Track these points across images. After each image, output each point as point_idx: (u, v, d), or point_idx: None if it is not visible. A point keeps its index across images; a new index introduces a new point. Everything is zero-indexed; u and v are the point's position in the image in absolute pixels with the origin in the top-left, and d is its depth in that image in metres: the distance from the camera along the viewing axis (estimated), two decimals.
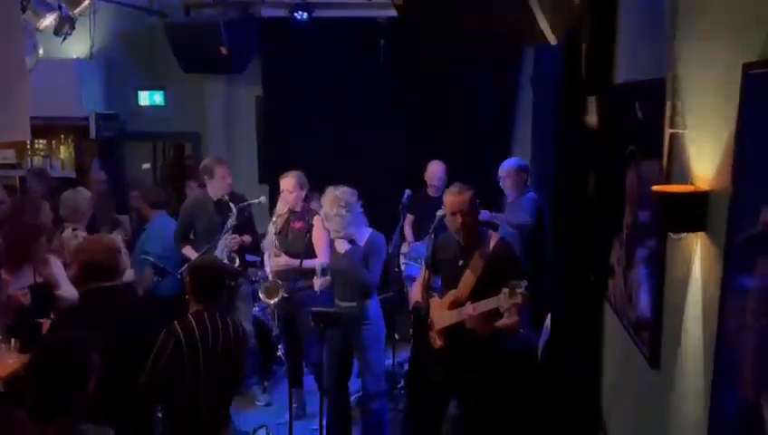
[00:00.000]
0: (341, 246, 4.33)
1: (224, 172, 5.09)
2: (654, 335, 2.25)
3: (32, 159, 7.60)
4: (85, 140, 7.40)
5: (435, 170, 5.77)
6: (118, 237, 3.55)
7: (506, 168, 5.02)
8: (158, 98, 7.59)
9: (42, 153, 7.67)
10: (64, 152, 7.64)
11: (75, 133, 7.51)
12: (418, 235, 5.63)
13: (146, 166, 8.17)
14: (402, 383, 5.19)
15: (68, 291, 3.85)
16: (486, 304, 3.41)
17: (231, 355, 3.18)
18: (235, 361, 3.24)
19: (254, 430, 4.80)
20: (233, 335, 3.19)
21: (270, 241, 4.89)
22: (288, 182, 4.81)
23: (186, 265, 4.95)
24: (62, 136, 7.61)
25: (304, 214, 4.81)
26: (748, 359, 1.49)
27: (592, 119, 3.28)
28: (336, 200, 4.21)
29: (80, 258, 3.29)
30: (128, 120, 7.56)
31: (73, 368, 2.33)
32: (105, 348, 2.52)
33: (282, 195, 4.86)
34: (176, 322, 3.07)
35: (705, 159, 1.84)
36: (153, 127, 7.52)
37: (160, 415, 3.38)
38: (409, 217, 5.77)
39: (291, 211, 4.84)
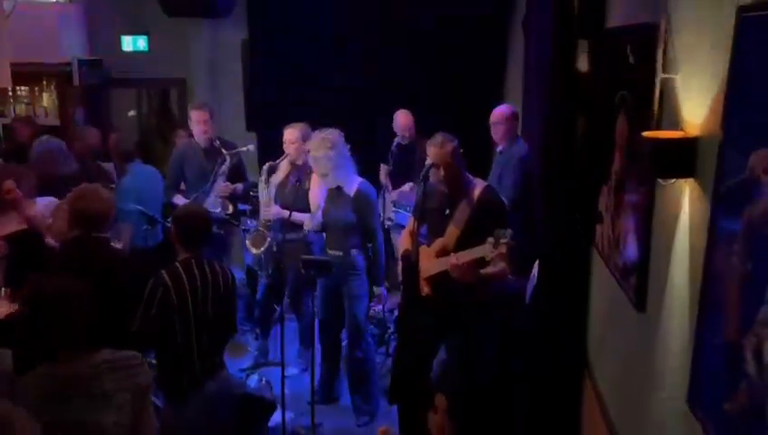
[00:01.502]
0: (331, 196, 4.33)
1: (198, 117, 5.00)
2: (640, 280, 2.29)
3: (14, 107, 7.45)
4: (68, 87, 7.24)
5: (401, 120, 5.74)
6: (108, 192, 3.51)
7: (498, 115, 4.93)
8: (141, 43, 7.42)
9: (24, 101, 7.52)
10: (47, 100, 7.49)
11: (58, 80, 7.34)
12: (395, 183, 5.66)
13: (131, 113, 8.05)
14: (392, 329, 5.27)
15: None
16: (471, 254, 3.43)
17: (221, 302, 3.19)
18: (226, 307, 3.26)
19: (247, 376, 4.88)
20: (222, 282, 3.19)
21: (262, 192, 4.85)
22: (290, 133, 4.72)
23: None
24: (45, 83, 7.44)
25: (304, 167, 4.76)
26: (732, 302, 1.52)
27: (583, 63, 3.25)
28: (323, 141, 4.18)
29: (76, 205, 3.26)
30: (111, 66, 7.40)
31: (61, 316, 2.33)
32: (93, 296, 2.52)
33: (285, 146, 4.77)
34: (163, 270, 3.06)
35: (695, 104, 1.83)
36: (137, 73, 7.37)
37: (154, 361, 3.41)
38: (384, 167, 5.79)
39: (292, 163, 4.77)
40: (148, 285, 3.04)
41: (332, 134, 4.23)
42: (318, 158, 4.21)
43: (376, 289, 4.29)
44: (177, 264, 3.11)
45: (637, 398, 2.33)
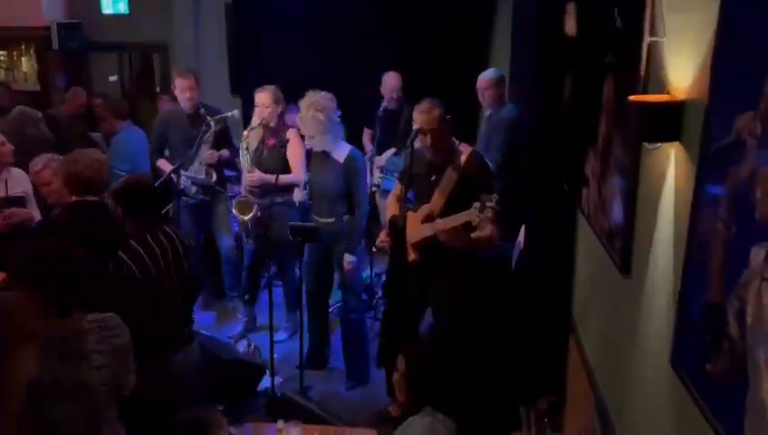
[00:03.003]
0: (320, 162, 4.30)
1: (182, 85, 4.93)
2: (625, 243, 2.30)
3: None
4: (48, 51, 7.12)
5: (390, 82, 5.68)
6: (102, 155, 3.47)
7: (484, 80, 4.89)
8: (121, 6, 7.28)
9: (3, 66, 7.38)
10: (26, 65, 7.36)
11: (37, 44, 7.21)
12: (380, 148, 5.63)
13: (113, 78, 7.92)
14: (380, 294, 5.30)
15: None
16: (457, 219, 3.44)
17: (184, 269, 3.14)
18: (189, 271, 3.20)
19: (236, 341, 4.91)
20: (181, 248, 3.13)
21: (243, 157, 4.81)
22: (263, 96, 4.67)
23: (164, 177, 4.92)
24: (24, 47, 7.30)
25: (279, 130, 4.72)
26: (716, 265, 1.54)
27: (571, 27, 3.22)
28: (313, 104, 4.13)
29: (70, 170, 3.22)
30: (91, 29, 7.25)
31: (57, 273, 2.32)
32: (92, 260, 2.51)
33: (256, 109, 4.73)
34: (120, 251, 2.98)
35: (682, 68, 1.82)
36: (118, 37, 7.24)
37: None
38: (368, 131, 5.75)
39: (265, 127, 4.73)
40: (109, 268, 2.94)
41: (324, 98, 4.18)
42: (306, 119, 4.15)
43: (347, 256, 4.26)
44: (132, 241, 3.02)
45: (621, 360, 2.37)
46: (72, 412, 2.27)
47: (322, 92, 4.22)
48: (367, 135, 5.83)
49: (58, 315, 2.32)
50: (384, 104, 5.67)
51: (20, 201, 3.99)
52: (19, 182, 4.05)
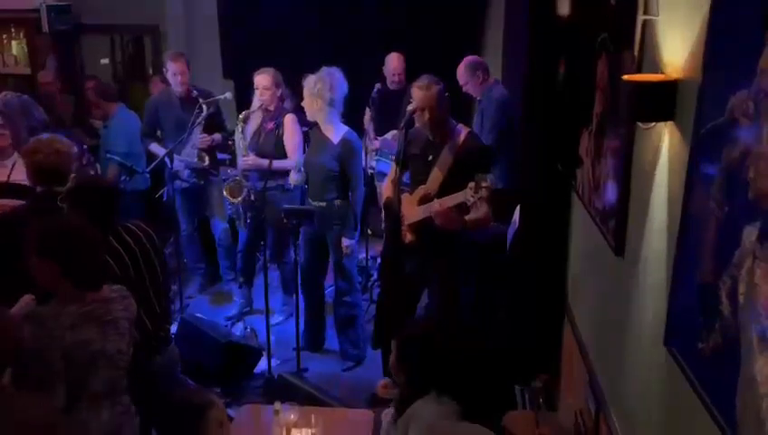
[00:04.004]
0: (316, 144, 4.29)
1: (175, 69, 4.89)
2: (619, 223, 2.31)
3: None
4: (38, 34, 7.03)
5: (393, 63, 5.64)
6: (66, 140, 3.41)
7: (461, 75, 4.91)
8: None
9: None
10: (16, 48, 7.28)
11: (26, 27, 7.12)
12: (381, 129, 5.60)
13: (104, 61, 7.84)
14: (375, 276, 5.32)
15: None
16: (452, 200, 3.43)
17: (156, 266, 2.98)
18: (161, 268, 3.04)
19: (233, 324, 4.93)
20: (147, 243, 2.95)
21: (238, 141, 4.78)
22: (264, 79, 4.59)
23: (156, 161, 4.90)
24: (13, 30, 7.21)
25: (277, 113, 4.68)
26: (708, 245, 1.54)
27: (564, 6, 3.20)
28: (321, 79, 4.12)
29: (32, 160, 3.17)
30: (81, 11, 7.17)
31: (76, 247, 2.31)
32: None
33: (256, 92, 4.65)
34: None
35: (676, 47, 1.82)
36: (108, 19, 7.15)
37: None
38: (369, 113, 5.71)
39: (265, 111, 4.67)
40: None
41: (330, 75, 4.16)
42: (312, 94, 4.13)
43: (345, 241, 4.26)
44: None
45: (615, 339, 2.38)
46: (103, 380, 2.32)
47: (332, 68, 4.19)
48: (368, 115, 5.77)
49: (76, 289, 2.32)
50: (378, 86, 5.63)
51: (18, 189, 3.92)
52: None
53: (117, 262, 2.77)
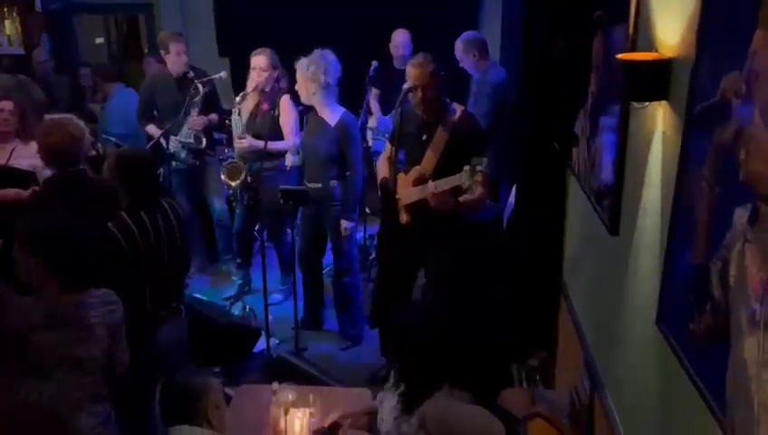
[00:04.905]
0: (313, 126, 4.27)
1: (178, 48, 4.85)
2: (614, 203, 2.30)
3: None
4: (31, 13, 6.96)
5: (399, 40, 5.57)
6: (80, 122, 3.40)
7: (459, 49, 4.84)
8: None
9: None
10: (10, 27, 7.21)
11: (19, 6, 7.06)
12: (386, 108, 5.54)
13: (99, 40, 7.79)
14: (373, 255, 5.32)
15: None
16: (447, 183, 3.41)
17: (176, 242, 3.05)
18: (182, 244, 3.12)
19: (231, 304, 4.94)
20: (173, 219, 3.04)
21: (236, 122, 4.75)
22: (261, 60, 4.52)
23: (153, 141, 4.88)
24: (6, 9, 7.14)
25: (273, 95, 4.64)
26: (700, 226, 1.54)
27: None
28: (314, 62, 4.08)
29: (45, 142, 3.16)
30: None
31: (58, 245, 2.33)
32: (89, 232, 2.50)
33: (251, 73, 4.59)
34: (109, 223, 2.89)
35: (671, 25, 1.80)
36: None
37: None
38: (375, 91, 5.65)
39: (261, 92, 4.60)
40: (99, 240, 2.85)
41: (323, 57, 4.12)
42: (307, 76, 4.10)
43: (344, 223, 4.26)
44: (123, 212, 2.93)
45: (609, 318, 2.39)
46: (69, 386, 2.29)
47: (325, 50, 4.16)
48: (373, 95, 5.70)
49: (60, 288, 2.33)
50: (375, 64, 5.57)
51: (15, 174, 3.89)
52: (30, 153, 3.95)
53: (140, 232, 2.87)
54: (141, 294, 2.96)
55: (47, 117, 3.40)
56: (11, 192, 3.67)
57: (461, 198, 3.40)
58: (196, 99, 4.80)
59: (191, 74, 4.84)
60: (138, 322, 2.88)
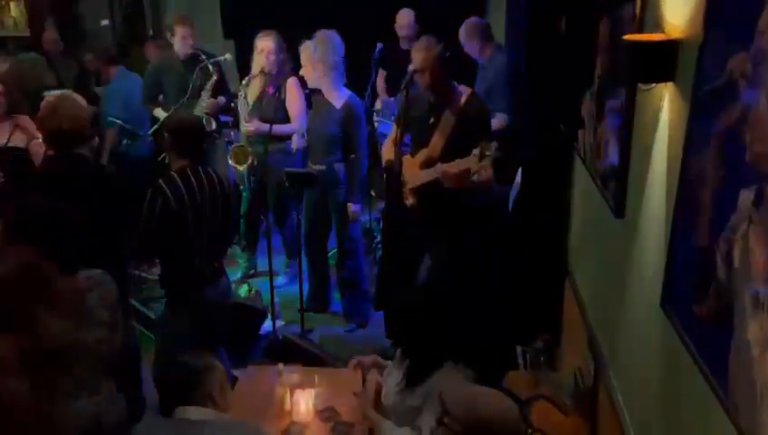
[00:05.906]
0: (318, 108, 4.26)
1: (184, 32, 4.86)
2: (620, 185, 2.30)
3: None
4: None
5: (404, 20, 5.53)
6: (83, 101, 3.39)
7: (465, 32, 4.79)
8: None
9: None
10: (15, 10, 7.20)
11: None
12: (392, 90, 5.51)
13: (105, 23, 7.76)
14: (379, 238, 5.33)
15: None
16: (456, 166, 3.40)
17: (219, 207, 3.20)
18: (224, 212, 3.26)
19: (237, 286, 4.96)
20: (219, 188, 3.20)
21: (242, 106, 4.74)
22: (266, 43, 4.48)
23: (157, 125, 4.88)
24: None
25: (279, 78, 4.62)
26: (705, 208, 1.54)
27: None
28: (321, 44, 4.06)
29: (49, 123, 3.13)
30: None
31: (50, 230, 2.32)
32: (82, 217, 2.50)
33: (257, 56, 4.55)
34: (160, 180, 3.05)
35: (678, 5, 1.78)
36: None
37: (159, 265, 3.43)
38: (382, 73, 5.61)
39: (267, 75, 4.57)
40: (147, 195, 3.02)
41: (329, 38, 4.10)
42: (314, 58, 4.08)
43: (350, 206, 4.26)
44: (174, 172, 3.09)
45: (614, 300, 2.39)
46: (78, 372, 2.29)
47: (330, 31, 4.14)
48: (381, 77, 5.67)
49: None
50: (380, 46, 5.54)
51: (13, 152, 3.92)
52: (27, 131, 3.96)
53: (188, 191, 3.04)
54: (187, 249, 3.12)
55: (47, 95, 3.39)
56: None
57: (472, 178, 3.39)
58: (209, 83, 4.81)
59: (202, 57, 4.84)
60: (183, 278, 3.16)
